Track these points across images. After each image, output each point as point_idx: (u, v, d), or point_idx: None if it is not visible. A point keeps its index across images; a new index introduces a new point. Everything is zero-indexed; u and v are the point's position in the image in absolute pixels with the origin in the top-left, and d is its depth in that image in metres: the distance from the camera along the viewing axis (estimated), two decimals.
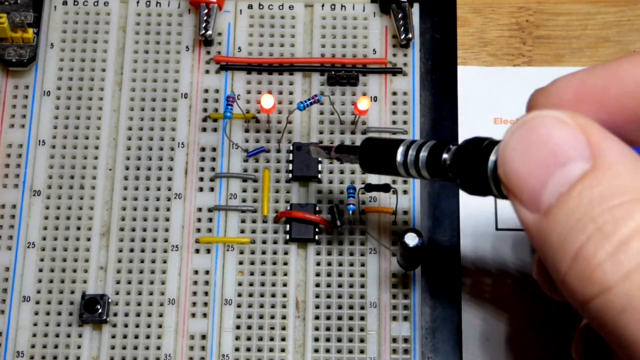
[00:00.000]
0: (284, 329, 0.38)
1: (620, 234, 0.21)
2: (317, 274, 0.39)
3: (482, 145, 0.27)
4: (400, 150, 0.31)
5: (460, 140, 0.40)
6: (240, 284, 0.38)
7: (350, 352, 0.37)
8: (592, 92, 0.25)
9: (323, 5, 0.42)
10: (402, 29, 0.41)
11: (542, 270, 0.29)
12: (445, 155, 0.29)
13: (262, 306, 0.38)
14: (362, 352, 0.37)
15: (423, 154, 0.30)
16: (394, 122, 0.41)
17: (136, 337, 0.38)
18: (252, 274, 0.39)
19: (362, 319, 0.38)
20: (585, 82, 0.25)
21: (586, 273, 0.21)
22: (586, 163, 0.22)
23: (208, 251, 0.39)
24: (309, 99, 0.39)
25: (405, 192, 0.39)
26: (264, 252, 0.39)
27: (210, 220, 0.39)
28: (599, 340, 0.25)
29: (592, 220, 0.22)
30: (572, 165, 0.23)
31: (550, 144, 0.23)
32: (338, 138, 0.40)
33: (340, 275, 0.39)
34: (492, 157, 0.26)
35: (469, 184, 0.27)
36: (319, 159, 0.39)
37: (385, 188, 0.38)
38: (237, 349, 0.38)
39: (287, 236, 0.39)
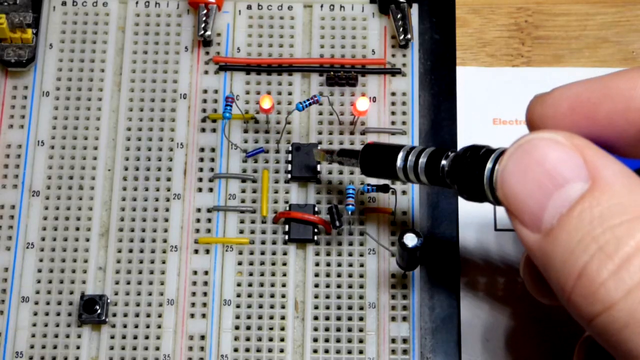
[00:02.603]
0: (282, 329, 0.38)
1: (622, 252, 0.22)
2: (316, 275, 0.39)
3: (480, 153, 0.27)
4: (400, 155, 0.32)
5: (460, 143, 0.40)
6: (239, 285, 0.38)
7: (349, 352, 0.37)
8: (585, 107, 0.26)
9: (322, 6, 0.42)
10: (401, 30, 0.41)
11: (529, 272, 0.30)
12: (443, 162, 0.30)
13: (261, 306, 0.38)
14: (361, 352, 0.37)
15: (422, 160, 0.31)
16: (393, 123, 0.41)
17: (135, 337, 0.38)
18: (251, 274, 0.39)
19: (361, 319, 0.38)
20: (580, 95, 0.26)
21: (590, 291, 0.22)
22: (584, 183, 0.23)
23: (207, 251, 0.39)
24: (308, 100, 0.39)
25: (404, 192, 0.39)
26: (263, 253, 0.39)
27: (209, 220, 0.39)
28: (600, 352, 0.26)
29: (594, 239, 0.22)
30: (570, 185, 0.23)
31: (547, 166, 0.24)
32: (337, 139, 0.40)
33: (339, 275, 0.39)
34: (488, 165, 0.26)
35: (467, 191, 0.28)
36: (320, 162, 0.39)
37: (384, 188, 0.38)
38: (236, 350, 0.38)
39: (286, 237, 0.39)
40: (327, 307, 0.38)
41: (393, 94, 0.41)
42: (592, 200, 0.23)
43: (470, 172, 0.27)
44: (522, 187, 0.24)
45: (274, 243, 0.39)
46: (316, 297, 0.38)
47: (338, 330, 0.38)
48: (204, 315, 0.38)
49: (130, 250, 0.39)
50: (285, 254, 0.39)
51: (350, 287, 0.38)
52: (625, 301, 0.21)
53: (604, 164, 0.23)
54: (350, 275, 0.38)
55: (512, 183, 0.24)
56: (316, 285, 0.38)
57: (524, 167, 0.24)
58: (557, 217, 0.23)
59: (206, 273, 0.39)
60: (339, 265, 0.39)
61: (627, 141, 0.25)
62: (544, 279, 0.24)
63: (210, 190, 0.40)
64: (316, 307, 0.38)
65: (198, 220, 0.39)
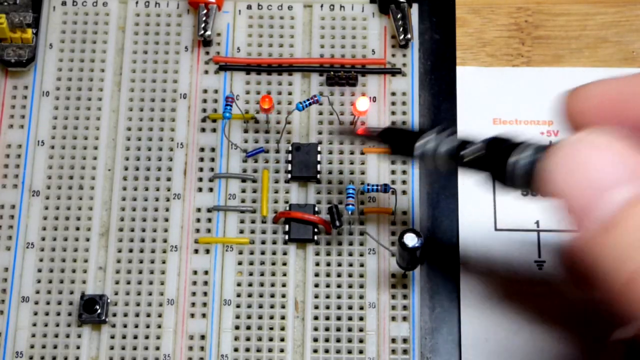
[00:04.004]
0: (283, 329, 0.38)
1: None
2: (316, 275, 0.39)
3: (508, 144, 0.27)
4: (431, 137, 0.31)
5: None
6: (239, 284, 0.38)
7: (349, 352, 0.37)
8: (614, 105, 0.25)
9: (322, 6, 0.42)
10: (401, 30, 0.41)
11: (571, 263, 0.29)
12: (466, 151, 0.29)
13: (261, 306, 0.38)
14: (361, 352, 0.37)
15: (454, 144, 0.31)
16: (393, 123, 0.41)
17: (135, 337, 0.38)
18: (251, 274, 0.39)
19: (361, 319, 0.38)
20: (610, 92, 0.25)
21: None
22: (635, 186, 0.23)
23: (207, 251, 0.39)
24: (308, 100, 0.39)
25: (404, 192, 0.39)
26: (263, 253, 0.39)
27: (210, 220, 0.39)
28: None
29: None
30: (620, 187, 0.23)
31: (599, 165, 0.23)
32: (337, 138, 0.40)
33: (339, 275, 0.39)
34: (527, 155, 0.26)
35: (501, 179, 0.27)
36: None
37: (384, 188, 0.38)
38: (236, 349, 0.38)
39: (286, 236, 0.39)
40: (327, 307, 0.38)
41: (393, 93, 0.41)
42: None
43: (503, 162, 0.27)
44: (573, 185, 0.23)
45: (274, 243, 0.39)
46: (316, 297, 0.38)
47: (338, 330, 0.38)
48: (204, 315, 0.38)
49: (130, 250, 0.39)
50: (285, 254, 0.39)
51: (350, 287, 0.38)
52: None
53: None
54: (350, 275, 0.38)
55: (562, 181, 0.24)
56: (316, 285, 0.38)
57: (574, 165, 0.23)
58: (609, 218, 0.23)
59: (206, 273, 0.39)
60: (339, 265, 0.39)
61: None
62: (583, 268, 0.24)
63: (210, 190, 0.40)
64: (316, 307, 0.38)
65: (198, 220, 0.39)
